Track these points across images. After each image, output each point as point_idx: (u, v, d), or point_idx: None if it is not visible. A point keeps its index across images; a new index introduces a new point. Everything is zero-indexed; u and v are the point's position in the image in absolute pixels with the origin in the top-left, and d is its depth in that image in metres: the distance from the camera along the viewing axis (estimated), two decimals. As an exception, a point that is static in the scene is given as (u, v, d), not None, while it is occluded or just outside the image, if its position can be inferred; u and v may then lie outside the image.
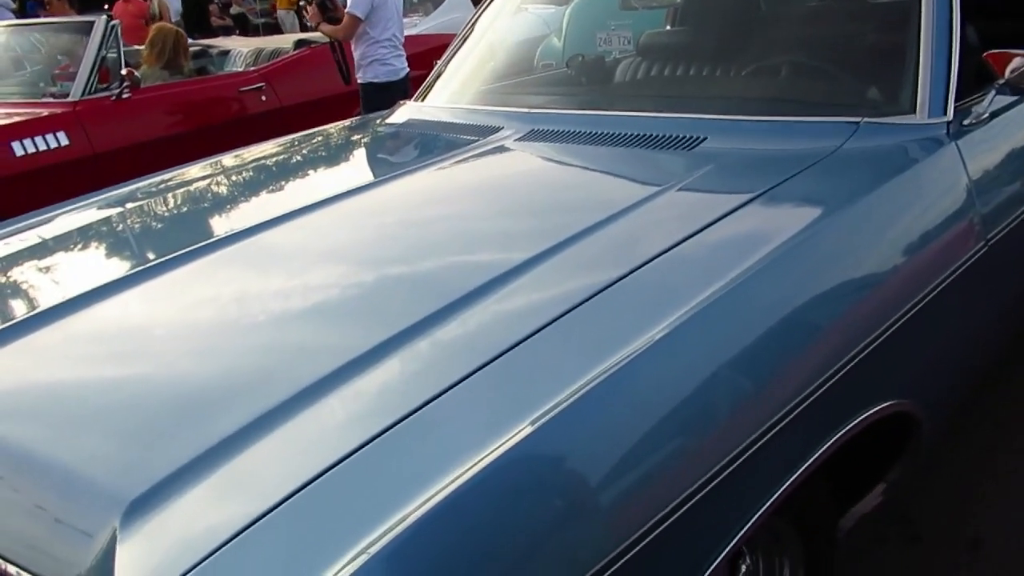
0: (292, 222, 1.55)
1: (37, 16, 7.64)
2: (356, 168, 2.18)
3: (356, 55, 4.51)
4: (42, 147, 3.73)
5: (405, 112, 2.35)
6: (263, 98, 4.58)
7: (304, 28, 8.28)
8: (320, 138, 2.35)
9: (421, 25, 7.80)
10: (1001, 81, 1.70)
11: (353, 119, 2.72)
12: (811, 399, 1.13)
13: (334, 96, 4.59)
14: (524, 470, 0.88)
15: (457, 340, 1.09)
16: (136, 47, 4.87)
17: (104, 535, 0.83)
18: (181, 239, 1.61)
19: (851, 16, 1.98)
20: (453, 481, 0.82)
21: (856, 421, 1.23)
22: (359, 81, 4.54)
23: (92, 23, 4.10)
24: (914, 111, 1.63)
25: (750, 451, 1.04)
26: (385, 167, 2.06)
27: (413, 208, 1.64)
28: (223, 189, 2.02)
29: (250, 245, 1.48)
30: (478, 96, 2.28)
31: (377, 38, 4.44)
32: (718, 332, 1.10)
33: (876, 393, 1.29)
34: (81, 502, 0.90)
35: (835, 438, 1.19)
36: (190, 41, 6.46)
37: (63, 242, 1.73)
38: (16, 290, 1.52)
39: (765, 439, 1.06)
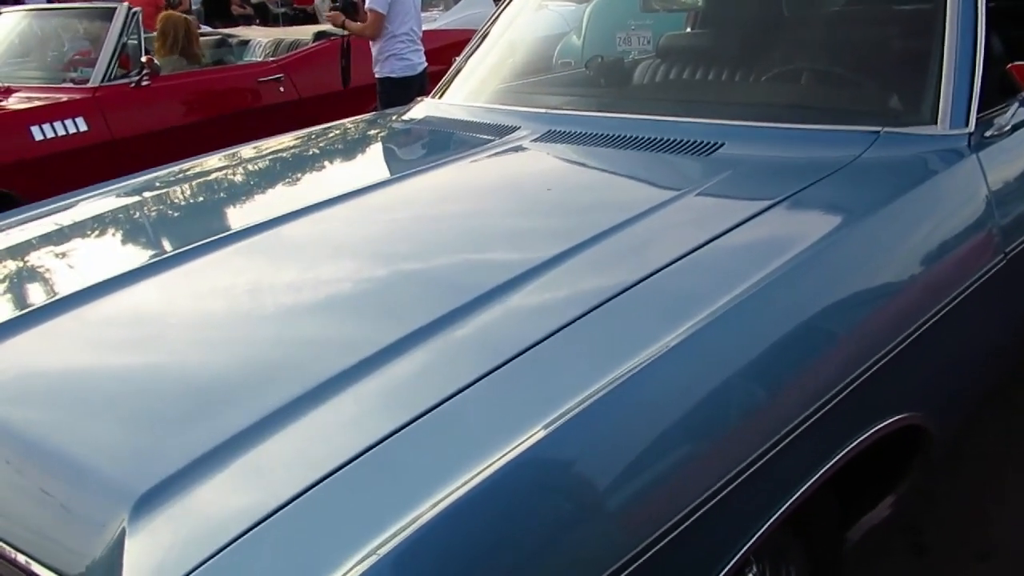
0: (309, 216, 1.56)
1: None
2: (373, 164, 2.18)
3: (374, 50, 4.51)
4: (60, 132, 3.76)
5: (423, 109, 2.35)
6: (281, 89, 4.59)
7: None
8: (338, 132, 2.35)
9: (441, 20, 7.80)
10: (1024, 93, 1.69)
11: (370, 114, 2.72)
12: (823, 410, 1.13)
13: (352, 89, 4.59)
14: (535, 474, 0.88)
15: (471, 340, 1.09)
16: (152, 34, 4.90)
17: (114, 528, 0.84)
18: (198, 230, 1.61)
19: (872, 24, 1.97)
20: (464, 484, 0.82)
21: (866, 434, 1.22)
22: (376, 76, 4.54)
23: (113, 10, 4.13)
24: (935, 122, 1.62)
25: (761, 461, 1.03)
26: (402, 164, 2.06)
27: (429, 206, 1.64)
28: (241, 181, 2.03)
29: (267, 238, 1.49)
30: (496, 95, 2.28)
31: (395, 32, 4.44)
32: (732, 340, 1.09)
33: (887, 406, 1.28)
34: (92, 494, 0.90)
35: (845, 450, 1.18)
36: (210, 29, 6.49)
37: (80, 230, 1.74)
38: (33, 277, 1.53)
39: (776, 450, 1.05)
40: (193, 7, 9.50)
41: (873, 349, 1.24)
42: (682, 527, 0.94)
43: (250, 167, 2.12)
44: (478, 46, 2.52)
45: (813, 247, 1.26)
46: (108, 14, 4.11)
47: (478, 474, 0.83)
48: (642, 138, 1.77)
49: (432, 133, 2.21)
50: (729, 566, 1.03)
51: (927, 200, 1.47)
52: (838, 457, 1.17)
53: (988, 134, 1.63)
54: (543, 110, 2.04)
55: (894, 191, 1.42)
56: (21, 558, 0.89)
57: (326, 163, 2.17)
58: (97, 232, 1.75)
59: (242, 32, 6.19)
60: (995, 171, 1.58)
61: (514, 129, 1.95)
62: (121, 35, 4.03)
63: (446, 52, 4.18)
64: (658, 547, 0.92)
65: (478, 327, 1.11)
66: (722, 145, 1.67)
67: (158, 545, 0.81)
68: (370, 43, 4.52)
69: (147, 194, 1.93)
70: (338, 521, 0.81)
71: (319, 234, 1.52)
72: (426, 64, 4.59)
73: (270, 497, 0.83)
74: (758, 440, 1.04)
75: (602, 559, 0.88)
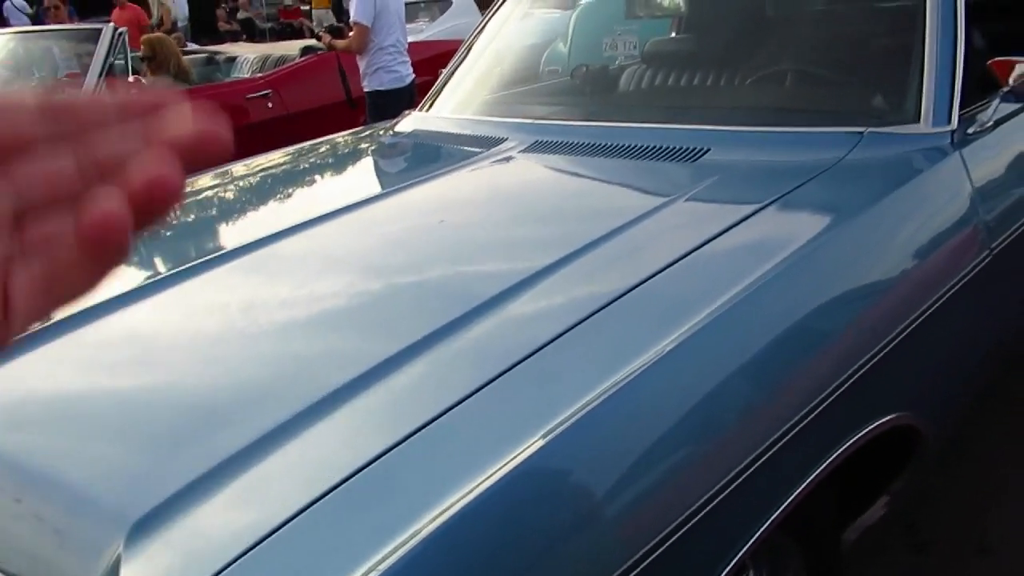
0: (303, 232, 1.56)
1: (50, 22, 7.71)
2: (365, 178, 2.20)
3: (361, 64, 4.52)
4: (50, 155, 3.75)
5: (411, 122, 2.36)
6: (269, 105, 4.60)
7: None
8: (327, 148, 2.36)
9: (427, 31, 7.83)
10: (1006, 89, 1.70)
11: (359, 128, 2.74)
12: (816, 412, 1.13)
13: (341, 103, 4.61)
14: (533, 484, 0.88)
15: (467, 352, 1.10)
16: (138, 53, 4.90)
17: (110, 554, 0.84)
18: (192, 249, 1.62)
19: (852, 23, 1.98)
20: (463, 496, 0.83)
21: (859, 435, 1.23)
22: (365, 89, 4.55)
23: (100, 30, 4.14)
24: (918, 120, 1.63)
25: (756, 464, 1.04)
26: (392, 178, 2.07)
27: (422, 219, 1.65)
28: (233, 199, 2.04)
29: (261, 256, 1.49)
30: (483, 106, 2.29)
31: (381, 44, 4.45)
32: (726, 345, 1.10)
33: (880, 406, 1.29)
34: (87, 519, 0.90)
35: (839, 451, 1.19)
36: (197, 47, 6.49)
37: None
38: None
39: (771, 452, 1.06)
40: (180, 24, 9.53)
41: (865, 349, 1.25)
42: (680, 532, 0.95)
43: (242, 184, 2.13)
44: (464, 57, 2.53)
45: (802, 249, 1.27)
46: (95, 35, 4.12)
47: (477, 486, 0.84)
48: (629, 146, 1.78)
49: (421, 146, 2.22)
50: (727, 570, 1.03)
51: (913, 199, 1.48)
52: (832, 457, 1.18)
53: (971, 131, 1.64)
54: (530, 120, 2.05)
55: (880, 191, 1.44)
56: (17, 585, 0.89)
57: (318, 179, 2.18)
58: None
59: (229, 49, 6.20)
60: (978, 167, 1.60)
61: (501, 140, 1.96)
62: (108, 56, 4.04)
63: (434, 63, 4.20)
64: (657, 553, 0.92)
65: (474, 338, 1.12)
66: (708, 151, 1.68)
67: (154, 570, 0.81)
68: (357, 57, 4.53)
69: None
70: (337, 539, 0.81)
71: (313, 250, 1.53)
72: (414, 75, 4.61)
73: (267, 518, 0.83)
74: (753, 443, 1.05)
75: (602, 567, 0.89)
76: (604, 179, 1.75)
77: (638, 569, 0.91)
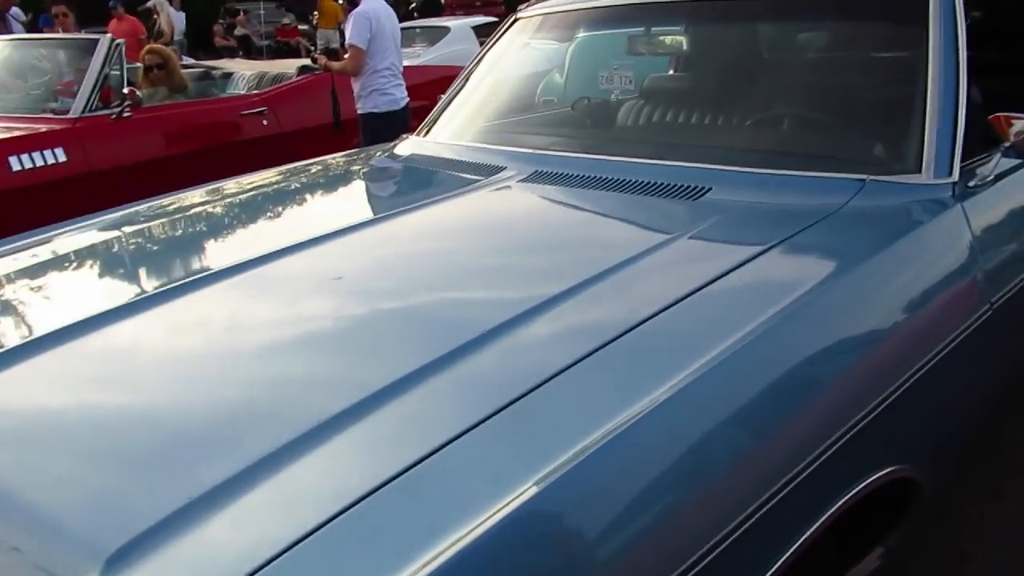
0: (296, 254, 1.53)
1: (48, 30, 7.69)
2: (360, 201, 2.17)
3: (356, 86, 4.53)
4: (39, 163, 3.72)
5: (408, 147, 2.35)
6: (264, 122, 4.58)
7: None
8: (323, 168, 2.33)
9: (424, 56, 7.87)
10: (1007, 144, 1.71)
11: (356, 150, 2.71)
12: (817, 463, 1.11)
13: (330, 124, 4.60)
14: (524, 531, 0.85)
15: (458, 389, 1.06)
16: (136, 65, 4.88)
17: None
18: (180, 268, 1.59)
19: (857, 71, 1.99)
20: (453, 544, 0.79)
21: (860, 487, 1.21)
22: (359, 111, 4.55)
23: (96, 41, 4.11)
24: (920, 170, 1.63)
25: (753, 519, 1.01)
26: (389, 202, 2.05)
27: (419, 245, 1.62)
28: (224, 217, 2.01)
29: (251, 277, 1.46)
30: (481, 134, 2.28)
31: (376, 67, 4.47)
32: (726, 392, 1.07)
33: (880, 458, 1.27)
34: (64, 550, 0.86)
35: (838, 504, 1.16)
36: (193, 61, 6.48)
37: (58, 265, 1.71)
38: (7, 313, 1.48)
39: (769, 506, 1.03)
40: (176, 38, 9.53)
41: (864, 401, 1.22)
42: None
43: (233, 202, 2.10)
44: (464, 84, 2.52)
45: (803, 297, 1.25)
46: (91, 45, 4.10)
47: (466, 534, 0.80)
48: (630, 181, 1.77)
49: (419, 171, 2.20)
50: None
51: (914, 251, 1.47)
52: (832, 511, 1.15)
53: (971, 184, 1.64)
54: (529, 150, 2.04)
55: (882, 241, 1.43)
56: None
57: (312, 199, 2.15)
58: (75, 268, 1.72)
59: (226, 64, 6.20)
60: (979, 221, 1.59)
61: (500, 169, 1.94)
62: (103, 67, 4.01)
63: (430, 88, 4.21)
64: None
65: (465, 375, 1.09)
66: (709, 190, 1.67)
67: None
68: (351, 79, 4.53)
69: (128, 229, 1.89)
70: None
71: (305, 273, 1.49)
72: (408, 99, 4.61)
73: (246, 558, 0.79)
74: (751, 498, 1.02)
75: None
76: (605, 213, 1.73)
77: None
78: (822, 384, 1.22)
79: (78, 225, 1.93)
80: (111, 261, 1.76)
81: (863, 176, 1.62)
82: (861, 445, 1.20)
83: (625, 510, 0.92)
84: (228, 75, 5.53)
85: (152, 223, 1.93)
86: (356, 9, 4.47)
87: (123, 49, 4.12)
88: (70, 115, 3.93)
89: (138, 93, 4.13)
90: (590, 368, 1.08)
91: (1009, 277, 1.63)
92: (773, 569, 1.06)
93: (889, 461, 1.29)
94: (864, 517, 1.35)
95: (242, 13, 14.50)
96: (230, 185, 2.22)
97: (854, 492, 1.20)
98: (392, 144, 2.44)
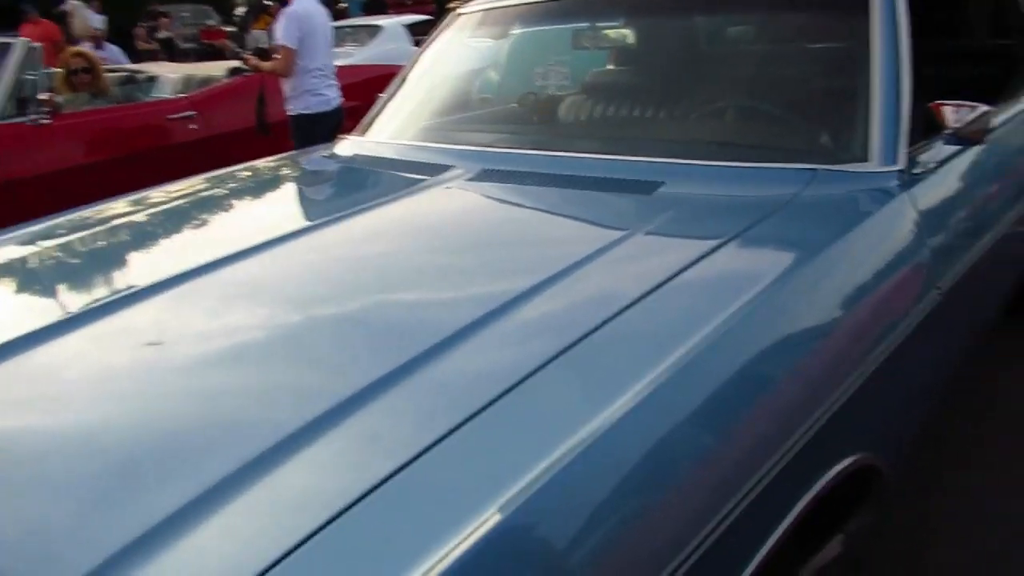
0: (235, 265, 1.45)
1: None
2: (301, 206, 2.08)
3: (286, 87, 4.42)
4: (-46, 173, 3.51)
5: (349, 147, 2.27)
6: (193, 127, 4.42)
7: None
8: (258, 173, 2.24)
9: (357, 55, 7.73)
10: (948, 131, 1.73)
11: (293, 152, 2.63)
12: (788, 456, 1.09)
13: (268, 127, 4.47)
14: (503, 547, 0.80)
15: (424, 400, 1.00)
16: (54, 70, 4.66)
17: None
18: (104, 285, 1.49)
19: (802, 61, 2.00)
20: (432, 566, 0.74)
21: (827, 477, 1.20)
22: (289, 113, 4.44)
23: (10, 45, 3.91)
24: (867, 159, 1.64)
25: (727, 520, 0.99)
26: (333, 206, 1.97)
27: (369, 251, 1.55)
28: (153, 228, 1.90)
29: (184, 291, 1.37)
30: (426, 132, 2.22)
31: (307, 67, 4.37)
32: (694, 392, 1.04)
33: (844, 447, 1.26)
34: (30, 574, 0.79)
35: (809, 495, 1.15)
36: (116, 65, 6.23)
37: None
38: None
39: (742, 506, 1.01)
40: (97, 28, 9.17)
41: (827, 391, 1.22)
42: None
43: (162, 211, 1.98)
44: (404, 82, 2.46)
45: (764, 292, 1.23)
46: (4, 49, 3.89)
47: (439, 561, 0.75)
48: (582, 176, 1.74)
49: (362, 172, 2.13)
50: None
51: (866, 239, 1.48)
52: (804, 502, 1.14)
53: (916, 171, 1.66)
54: (477, 147, 1.99)
55: (836, 231, 1.42)
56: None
57: (249, 205, 2.06)
58: (-6, 285, 1.60)
59: (150, 68, 5.97)
60: (925, 207, 1.61)
61: (448, 168, 1.89)
62: (18, 72, 3.81)
63: (363, 88, 4.12)
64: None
65: (428, 383, 1.03)
66: (663, 184, 1.65)
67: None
68: (281, 80, 4.42)
69: (48, 243, 1.77)
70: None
71: (247, 283, 1.41)
72: (342, 99, 4.52)
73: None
74: (723, 499, 1.00)
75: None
76: (559, 210, 1.70)
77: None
78: (787, 377, 1.20)
79: (-4, 239, 1.80)
80: (29, 278, 1.65)
81: (814, 166, 1.62)
82: (829, 435, 1.20)
83: (602, 517, 0.89)
84: (152, 78, 5.33)
85: (74, 236, 1.81)
86: (287, 8, 4.36)
87: (40, 53, 3.92)
88: (-16, 123, 3.73)
89: (57, 99, 3.94)
90: (555, 372, 1.03)
91: (956, 262, 1.65)
92: (753, 566, 1.04)
93: (854, 449, 1.29)
94: (826, 507, 1.34)
95: (165, 16, 14.09)
96: (158, 193, 2.10)
97: (825, 482, 1.19)
98: (331, 145, 2.37)
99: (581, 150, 1.90)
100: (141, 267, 1.64)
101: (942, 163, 1.74)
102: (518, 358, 1.06)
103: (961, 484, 2.20)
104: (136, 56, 9.74)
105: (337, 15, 9.22)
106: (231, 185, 2.15)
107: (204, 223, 1.93)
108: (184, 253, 1.65)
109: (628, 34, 2.45)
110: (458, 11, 2.53)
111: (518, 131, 2.27)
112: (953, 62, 2.21)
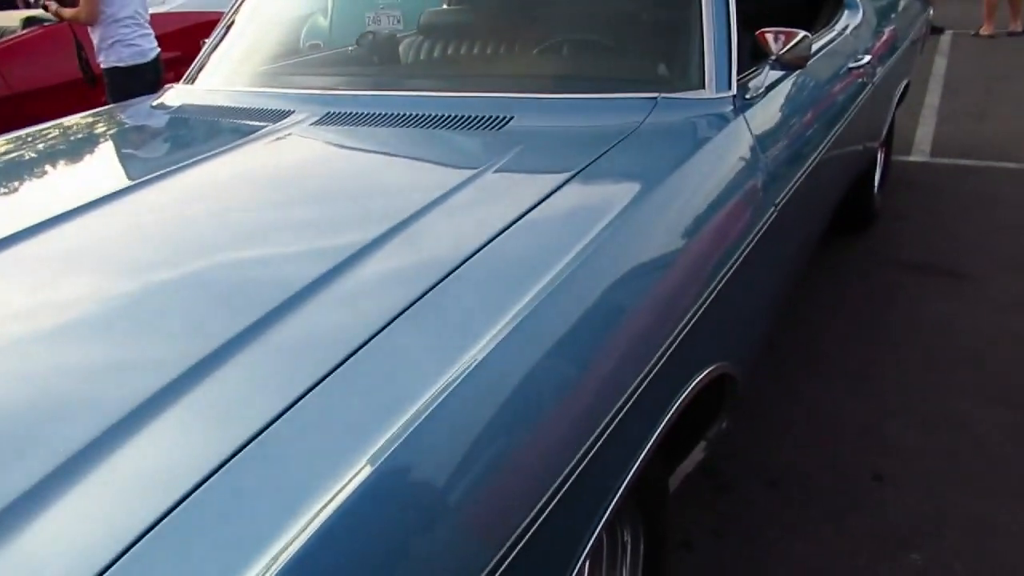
0: (51, 231, 1.32)
1: None
2: (124, 162, 1.91)
3: (95, 38, 4.04)
4: None
5: (176, 96, 2.12)
6: (-11, 84, 3.98)
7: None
8: (73, 129, 2.05)
9: (170, 3, 7.17)
10: (773, 57, 1.84)
11: (112, 106, 2.42)
12: (653, 372, 1.14)
13: (79, 81, 4.08)
14: (378, 494, 0.79)
15: (278, 356, 0.96)
16: None
17: None
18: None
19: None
20: (307, 524, 0.72)
21: (688, 390, 1.27)
22: (102, 66, 4.08)
23: None
24: (703, 86, 1.71)
25: (606, 434, 1.02)
26: (161, 160, 1.82)
27: (210, 206, 1.46)
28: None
29: (7, 257, 1.25)
30: (263, 76, 2.11)
31: (116, 16, 4.01)
32: (558, 323, 1.05)
33: (701, 359, 1.34)
34: None
35: (673, 409, 1.21)
36: None
37: None
38: None
39: (618, 419, 1.05)
40: None
41: (683, 309, 1.28)
42: (536, 522, 0.90)
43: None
44: (230, 27, 2.31)
45: (615, 221, 1.25)
46: None
47: (322, 509, 0.73)
48: (429, 115, 1.71)
49: (194, 122, 1.99)
50: (587, 548, 1.01)
51: (708, 162, 1.54)
52: (668, 417, 1.20)
53: (748, 96, 1.75)
54: (318, 91, 1.91)
55: (679, 155, 1.48)
56: None
57: (65, 167, 1.87)
58: None
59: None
60: (758, 129, 1.71)
61: (288, 113, 1.80)
62: None
63: (182, 36, 3.84)
64: (514, 548, 0.87)
65: (285, 339, 0.98)
66: (511, 119, 1.65)
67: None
68: (89, 30, 4.04)
69: None
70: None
71: (78, 247, 1.29)
72: (159, 49, 4.19)
73: (88, 558, 0.68)
74: (599, 415, 1.03)
75: (461, 562, 0.82)
76: (408, 152, 1.65)
77: (497, 558, 0.85)
78: (644, 300, 1.24)
79: None
80: None
81: (655, 94, 1.67)
82: (688, 348, 1.26)
83: (474, 457, 0.88)
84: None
85: None
86: (89, -51, 3.95)
87: None
88: None
89: None
90: (411, 321, 1.01)
91: (788, 180, 1.77)
92: (627, 480, 1.09)
93: (710, 360, 1.36)
94: (686, 418, 1.42)
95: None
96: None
97: (685, 395, 1.25)
98: (156, 96, 2.20)
99: (428, 89, 1.87)
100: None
101: (769, 88, 1.84)
102: (372, 310, 1.02)
103: (809, 394, 2.39)
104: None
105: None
106: (40, 146, 1.95)
107: (9, 190, 1.74)
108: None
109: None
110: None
111: (360, 72, 2.19)
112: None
